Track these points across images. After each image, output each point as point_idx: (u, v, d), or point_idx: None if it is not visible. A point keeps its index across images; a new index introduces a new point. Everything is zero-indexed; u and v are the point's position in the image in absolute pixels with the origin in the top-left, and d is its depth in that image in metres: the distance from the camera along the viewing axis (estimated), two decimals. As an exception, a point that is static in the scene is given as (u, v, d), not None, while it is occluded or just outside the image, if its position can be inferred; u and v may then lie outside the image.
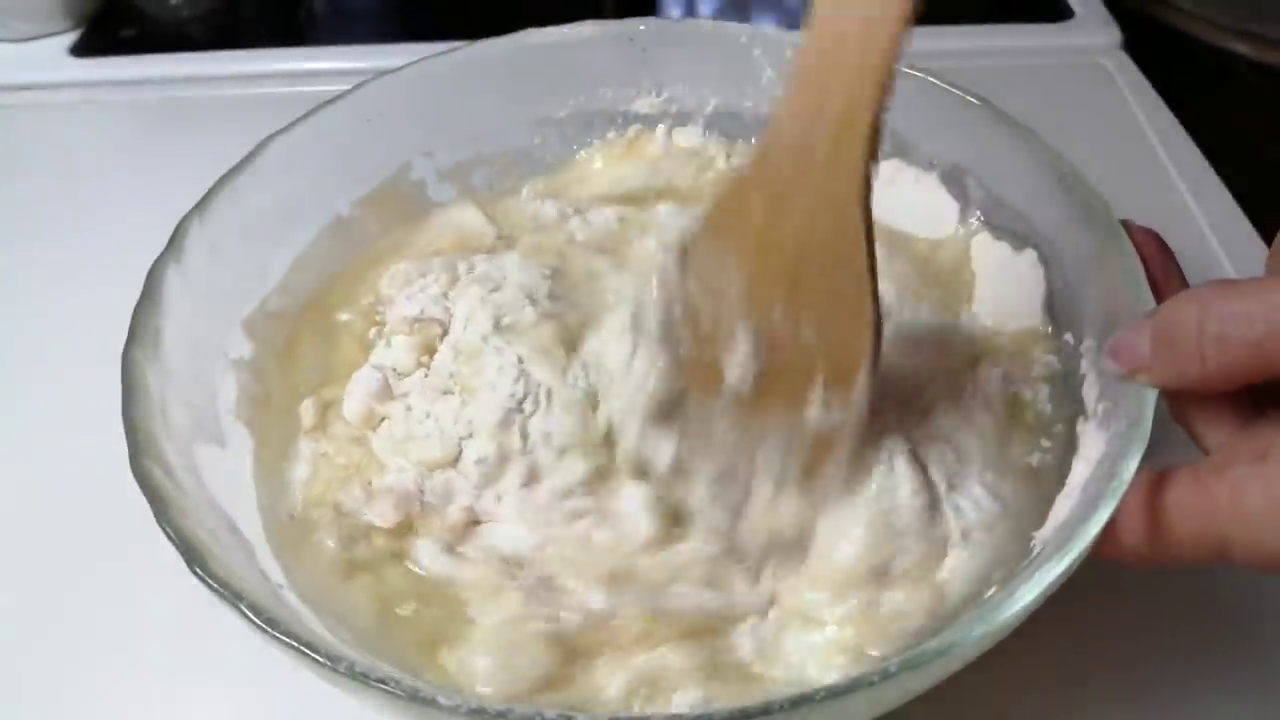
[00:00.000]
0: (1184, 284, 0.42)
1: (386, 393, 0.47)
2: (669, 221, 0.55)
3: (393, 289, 0.51)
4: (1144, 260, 0.41)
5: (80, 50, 0.88)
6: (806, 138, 0.36)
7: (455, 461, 0.44)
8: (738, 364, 0.40)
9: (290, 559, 0.41)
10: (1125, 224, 0.43)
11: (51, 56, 0.87)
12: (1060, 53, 0.84)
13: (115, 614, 0.49)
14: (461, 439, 0.44)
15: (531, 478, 0.43)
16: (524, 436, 0.44)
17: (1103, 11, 0.87)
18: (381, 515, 0.43)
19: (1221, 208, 0.69)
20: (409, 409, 0.46)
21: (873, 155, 0.36)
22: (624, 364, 0.43)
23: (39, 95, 0.84)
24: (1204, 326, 0.34)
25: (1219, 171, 0.72)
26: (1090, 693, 0.46)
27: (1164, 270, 0.42)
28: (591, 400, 0.45)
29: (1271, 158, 0.76)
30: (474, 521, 0.43)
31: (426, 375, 0.47)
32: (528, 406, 0.44)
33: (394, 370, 0.48)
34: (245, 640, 0.33)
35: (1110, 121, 0.77)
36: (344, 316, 0.51)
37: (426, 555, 0.42)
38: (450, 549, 0.43)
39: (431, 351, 0.48)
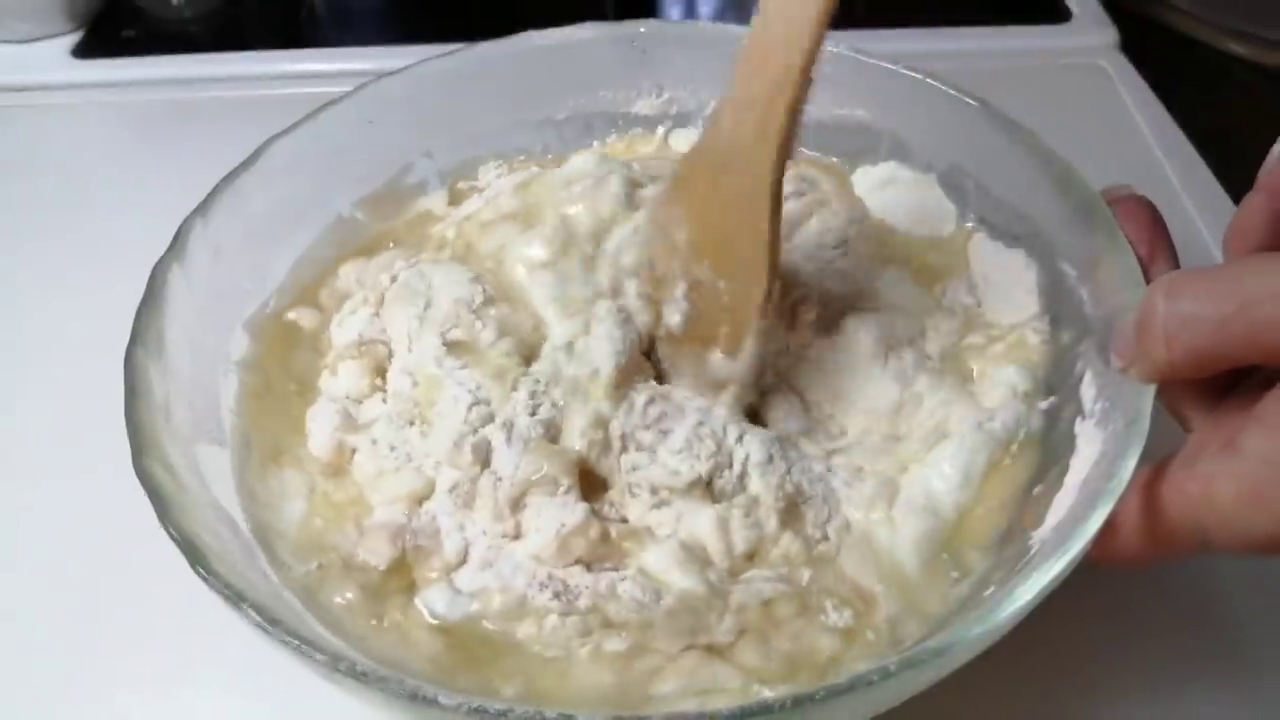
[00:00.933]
0: (1172, 257, 0.42)
1: (350, 424, 0.46)
2: (584, 168, 0.53)
3: (330, 302, 0.51)
4: (1132, 235, 0.42)
5: (82, 51, 0.88)
6: (740, 122, 0.41)
7: (432, 493, 0.43)
8: (676, 307, 0.45)
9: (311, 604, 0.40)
10: (1117, 192, 0.44)
11: (53, 58, 0.87)
12: (1058, 54, 0.84)
13: (116, 612, 0.50)
14: (433, 468, 0.44)
15: (507, 509, 0.42)
16: (484, 462, 0.43)
17: (1100, 13, 0.87)
18: (375, 553, 0.42)
19: (1218, 207, 0.69)
20: (374, 442, 0.45)
21: (789, 138, 0.41)
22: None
23: (41, 96, 0.84)
24: (1170, 309, 0.35)
25: (1215, 172, 0.72)
26: (1087, 691, 0.46)
27: (1151, 246, 0.42)
28: (553, 431, 0.44)
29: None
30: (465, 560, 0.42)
31: (385, 400, 0.47)
32: (484, 432, 0.43)
33: (349, 398, 0.47)
34: (246, 637, 0.34)
35: (1108, 122, 0.78)
36: (292, 315, 0.51)
37: (440, 602, 0.41)
38: (458, 590, 0.41)
39: (382, 372, 0.48)
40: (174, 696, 0.47)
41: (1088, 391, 0.42)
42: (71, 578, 0.51)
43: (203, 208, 0.47)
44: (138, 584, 0.48)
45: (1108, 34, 0.85)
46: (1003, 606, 0.33)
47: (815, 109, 0.56)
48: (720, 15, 0.96)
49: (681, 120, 0.60)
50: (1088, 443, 0.40)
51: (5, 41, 0.87)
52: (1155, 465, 0.36)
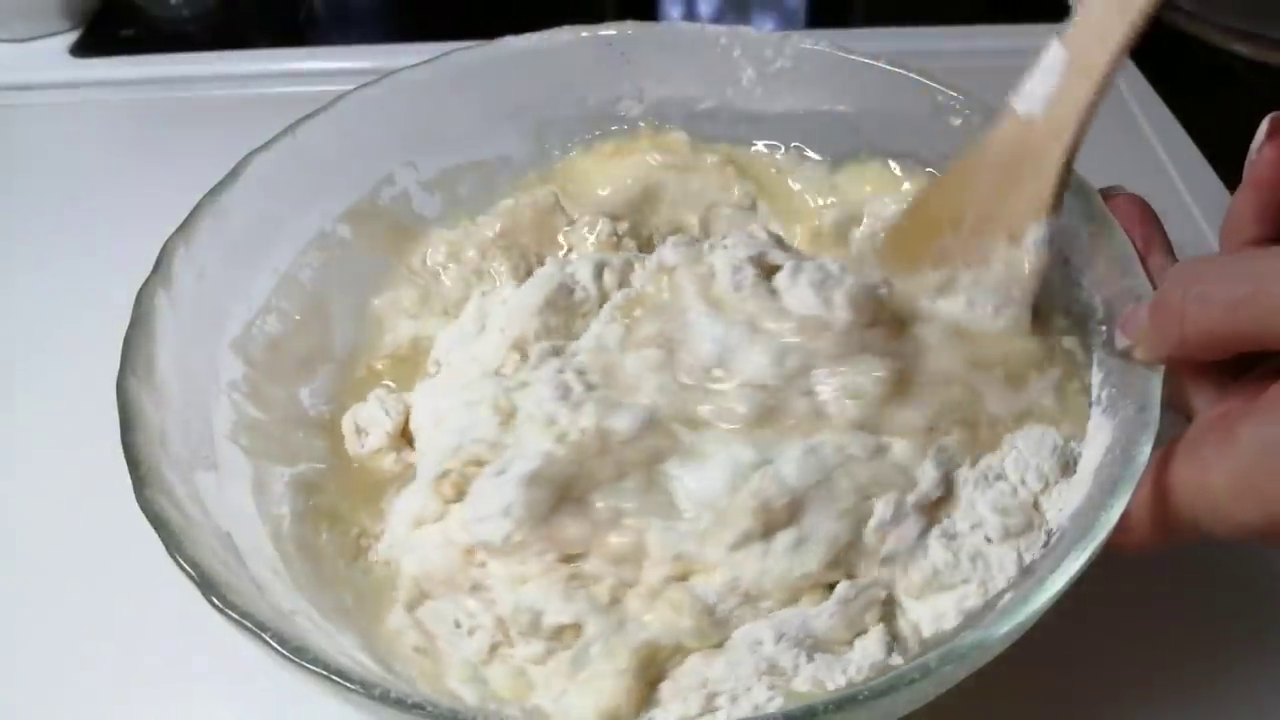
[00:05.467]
0: (1168, 249, 0.43)
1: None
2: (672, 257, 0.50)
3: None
4: (1126, 228, 0.43)
5: (80, 50, 0.88)
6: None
7: None
8: None
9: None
10: (1111, 191, 0.45)
11: (51, 56, 0.87)
12: (1060, 52, 0.83)
13: (116, 614, 0.50)
14: None
15: None
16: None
17: (1103, 11, 0.86)
18: None
19: (1221, 207, 0.67)
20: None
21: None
22: None
23: (39, 95, 0.84)
24: (1189, 288, 0.36)
25: (1218, 172, 0.72)
26: (1090, 689, 0.46)
27: (1146, 239, 0.43)
28: None
29: (1271, 158, 0.76)
30: None
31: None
32: None
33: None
34: (239, 642, 0.34)
35: (1110, 121, 0.74)
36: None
37: None
38: None
39: None
40: (171, 699, 0.47)
41: (1094, 378, 0.43)
42: (68, 580, 0.51)
43: (184, 229, 0.46)
44: (135, 586, 0.47)
45: (1110, 32, 0.84)
46: (1035, 596, 0.34)
47: (795, 105, 0.56)
48: (720, 16, 0.95)
49: (664, 122, 0.58)
50: (1098, 429, 0.41)
51: (3, 40, 0.87)
52: (1161, 450, 0.36)
